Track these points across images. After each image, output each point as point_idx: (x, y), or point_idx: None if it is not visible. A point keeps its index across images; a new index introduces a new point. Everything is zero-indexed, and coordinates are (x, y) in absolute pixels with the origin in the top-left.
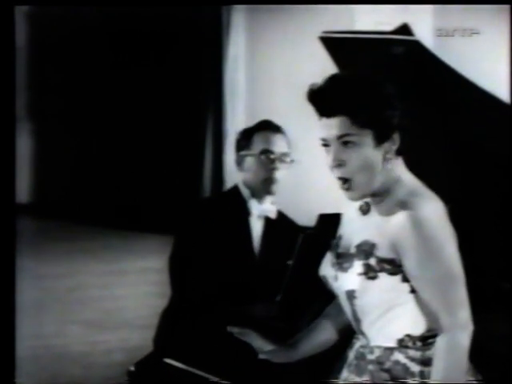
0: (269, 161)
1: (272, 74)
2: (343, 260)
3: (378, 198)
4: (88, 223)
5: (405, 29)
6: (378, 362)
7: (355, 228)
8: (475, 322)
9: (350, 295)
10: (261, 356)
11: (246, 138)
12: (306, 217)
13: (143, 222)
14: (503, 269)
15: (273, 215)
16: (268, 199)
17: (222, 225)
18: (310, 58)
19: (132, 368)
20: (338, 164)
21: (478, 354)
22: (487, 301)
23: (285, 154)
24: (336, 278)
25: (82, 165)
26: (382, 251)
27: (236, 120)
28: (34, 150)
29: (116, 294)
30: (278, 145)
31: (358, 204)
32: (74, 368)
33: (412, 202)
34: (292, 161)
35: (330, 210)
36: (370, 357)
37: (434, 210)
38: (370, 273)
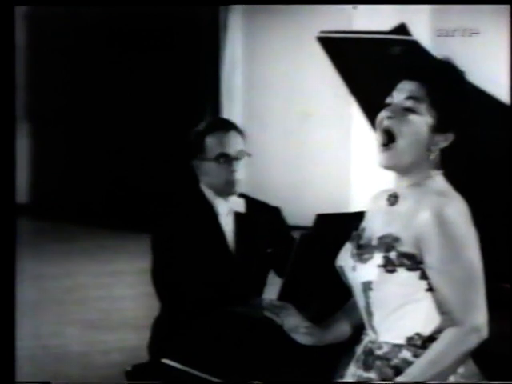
0: (227, 164)
1: (269, 75)
2: (364, 251)
3: (406, 186)
4: (86, 224)
5: (402, 28)
6: (386, 358)
7: (380, 220)
8: None
9: (367, 286)
10: (293, 336)
11: (198, 142)
12: (304, 217)
13: (141, 223)
14: (503, 269)
15: (242, 209)
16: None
17: (194, 230)
18: (307, 59)
19: (129, 368)
20: (391, 116)
21: (478, 354)
22: (487, 301)
23: (241, 152)
24: (354, 269)
25: (80, 165)
26: (404, 246)
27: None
28: (32, 151)
29: (114, 295)
30: (233, 144)
31: (386, 195)
32: (72, 368)
33: (440, 201)
34: (249, 155)
35: (328, 209)
36: (378, 352)
37: (460, 211)
38: (388, 266)
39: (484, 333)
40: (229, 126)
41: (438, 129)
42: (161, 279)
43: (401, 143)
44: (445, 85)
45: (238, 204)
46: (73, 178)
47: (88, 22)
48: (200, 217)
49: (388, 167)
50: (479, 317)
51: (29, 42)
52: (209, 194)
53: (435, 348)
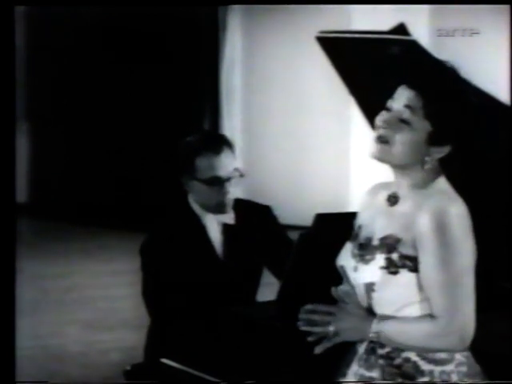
0: (218, 186)
1: (268, 75)
2: (365, 252)
3: (406, 186)
4: (86, 224)
5: (402, 28)
6: (389, 358)
7: (380, 220)
8: (476, 322)
9: (369, 288)
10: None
11: (188, 162)
12: (303, 216)
13: (140, 222)
14: (503, 269)
15: (231, 221)
16: None
17: (182, 244)
18: (306, 59)
19: (128, 367)
20: (386, 127)
21: (478, 354)
22: (487, 301)
23: (233, 172)
24: (356, 269)
25: (80, 165)
26: (406, 247)
27: (232, 122)
28: (32, 151)
29: (112, 294)
30: (224, 166)
31: (385, 194)
32: (70, 368)
33: (441, 206)
34: (241, 175)
35: (327, 209)
36: (381, 351)
37: (460, 217)
38: (391, 267)
39: (465, 341)
40: (220, 145)
41: (433, 142)
42: (152, 294)
43: (395, 147)
44: (442, 99)
45: (227, 216)
46: (73, 178)
47: (88, 22)
48: (188, 230)
49: (380, 159)
50: (463, 324)
51: (28, 42)
52: (197, 210)
53: (410, 326)
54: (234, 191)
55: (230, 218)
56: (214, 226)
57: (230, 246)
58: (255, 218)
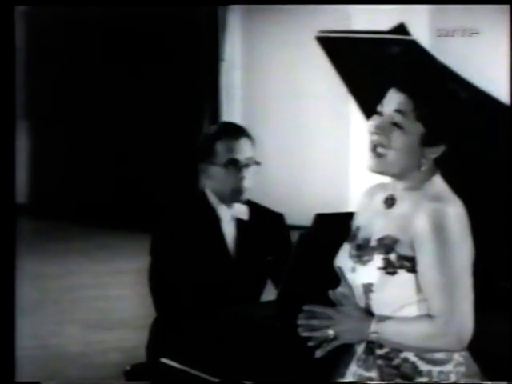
0: (236, 170)
1: (268, 75)
2: (363, 252)
3: (402, 188)
4: (85, 224)
5: (401, 28)
6: (387, 358)
7: (377, 222)
8: (476, 322)
9: (367, 288)
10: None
11: (208, 147)
12: (303, 217)
13: (139, 223)
14: (503, 269)
15: (245, 216)
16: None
17: (194, 234)
18: (306, 59)
19: (128, 367)
20: (379, 133)
21: (478, 353)
22: (487, 301)
23: (250, 159)
24: (354, 270)
25: (80, 165)
26: (403, 248)
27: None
28: (32, 151)
29: (112, 294)
30: (243, 151)
31: (383, 196)
32: (70, 368)
33: (438, 207)
34: (258, 163)
35: (327, 209)
36: (379, 352)
37: (457, 217)
38: (389, 268)
39: (463, 342)
40: (240, 132)
41: (426, 143)
42: (157, 282)
43: (391, 155)
44: (431, 100)
45: (242, 211)
46: (73, 178)
47: (88, 22)
48: (202, 222)
49: (377, 172)
50: (461, 324)
51: (28, 42)
52: (213, 199)
53: (408, 326)
54: (250, 179)
55: (244, 213)
56: (227, 219)
57: (242, 242)
58: (268, 223)
